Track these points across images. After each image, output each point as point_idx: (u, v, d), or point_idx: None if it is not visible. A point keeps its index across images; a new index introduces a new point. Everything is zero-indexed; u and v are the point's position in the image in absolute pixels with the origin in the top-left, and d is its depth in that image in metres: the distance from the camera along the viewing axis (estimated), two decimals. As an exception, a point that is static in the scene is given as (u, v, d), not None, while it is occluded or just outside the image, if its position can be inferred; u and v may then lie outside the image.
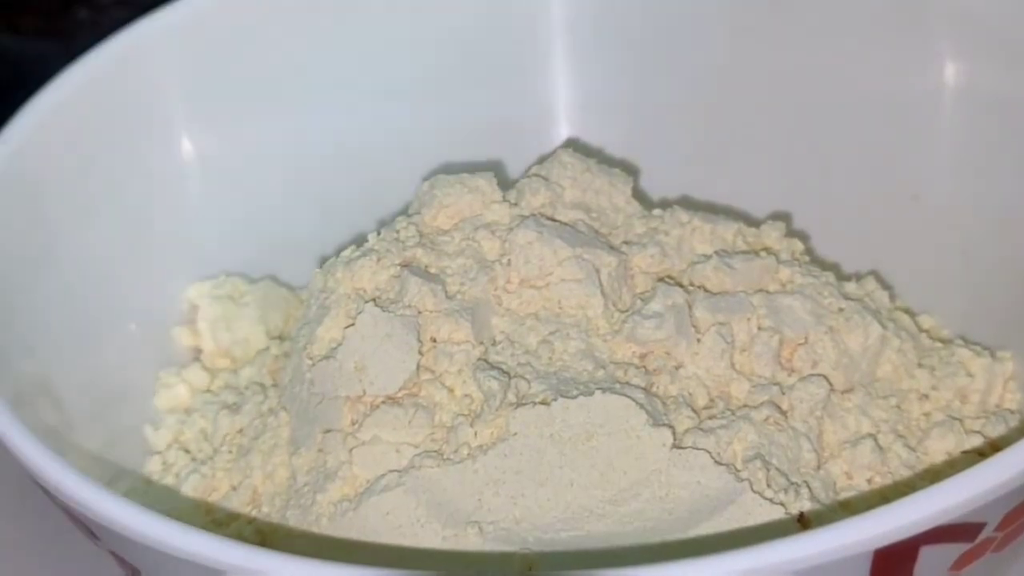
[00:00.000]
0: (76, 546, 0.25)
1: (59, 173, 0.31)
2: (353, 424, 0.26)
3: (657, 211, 0.31)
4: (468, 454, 0.25)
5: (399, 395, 0.26)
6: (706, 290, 0.28)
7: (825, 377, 0.27)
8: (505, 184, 0.31)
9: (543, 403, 0.25)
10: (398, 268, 0.28)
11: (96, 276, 0.31)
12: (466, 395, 0.26)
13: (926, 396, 0.28)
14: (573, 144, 0.36)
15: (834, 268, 0.33)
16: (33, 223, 0.30)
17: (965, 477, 0.20)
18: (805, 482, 0.25)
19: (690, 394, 0.26)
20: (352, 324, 0.27)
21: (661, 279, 0.29)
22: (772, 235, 0.31)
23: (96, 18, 0.44)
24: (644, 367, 0.27)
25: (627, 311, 0.28)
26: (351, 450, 0.26)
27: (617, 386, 0.25)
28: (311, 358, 0.28)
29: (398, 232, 0.30)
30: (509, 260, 0.28)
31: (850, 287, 0.30)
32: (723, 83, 0.36)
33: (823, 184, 0.35)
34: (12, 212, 0.29)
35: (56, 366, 0.28)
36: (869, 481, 0.26)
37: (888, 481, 0.26)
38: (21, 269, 0.29)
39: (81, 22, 0.45)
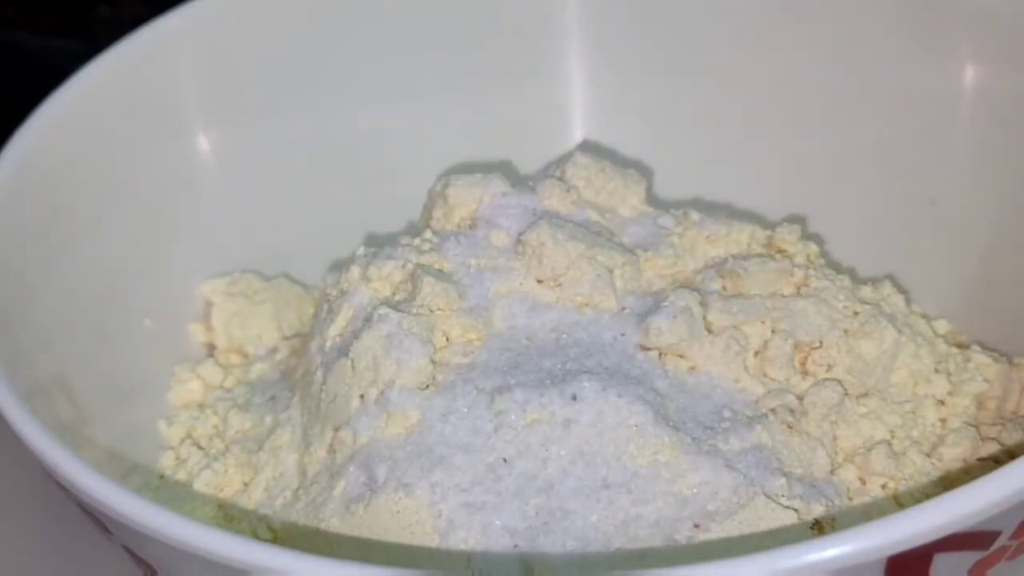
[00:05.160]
0: (94, 543, 0.25)
1: (76, 169, 0.31)
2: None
3: (671, 213, 0.31)
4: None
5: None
6: (720, 293, 0.28)
7: (839, 382, 0.27)
8: (519, 184, 0.31)
9: (553, 402, 0.25)
10: (411, 267, 0.28)
11: (112, 272, 0.31)
12: (479, 391, 0.26)
13: (942, 402, 0.28)
14: (588, 145, 0.36)
15: (850, 272, 0.33)
16: (50, 219, 0.30)
17: (980, 485, 0.20)
18: (818, 487, 0.25)
19: (702, 396, 0.26)
20: (365, 323, 0.27)
21: (675, 281, 0.29)
22: (787, 238, 0.31)
23: (116, 15, 0.45)
24: (656, 367, 0.27)
25: (641, 312, 0.28)
26: (362, 448, 0.26)
27: (630, 386, 0.25)
28: (324, 356, 0.28)
29: (412, 232, 0.30)
30: (523, 260, 0.28)
31: (866, 291, 0.30)
32: (738, 85, 0.36)
33: (839, 187, 0.34)
34: (30, 207, 0.29)
35: (71, 361, 0.29)
36: (883, 487, 0.26)
37: (902, 487, 0.26)
38: (38, 264, 0.29)
39: (101, 19, 0.45)
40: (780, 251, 0.30)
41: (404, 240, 0.30)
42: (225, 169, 0.34)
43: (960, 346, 0.30)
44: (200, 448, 0.30)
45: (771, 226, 0.31)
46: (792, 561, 0.19)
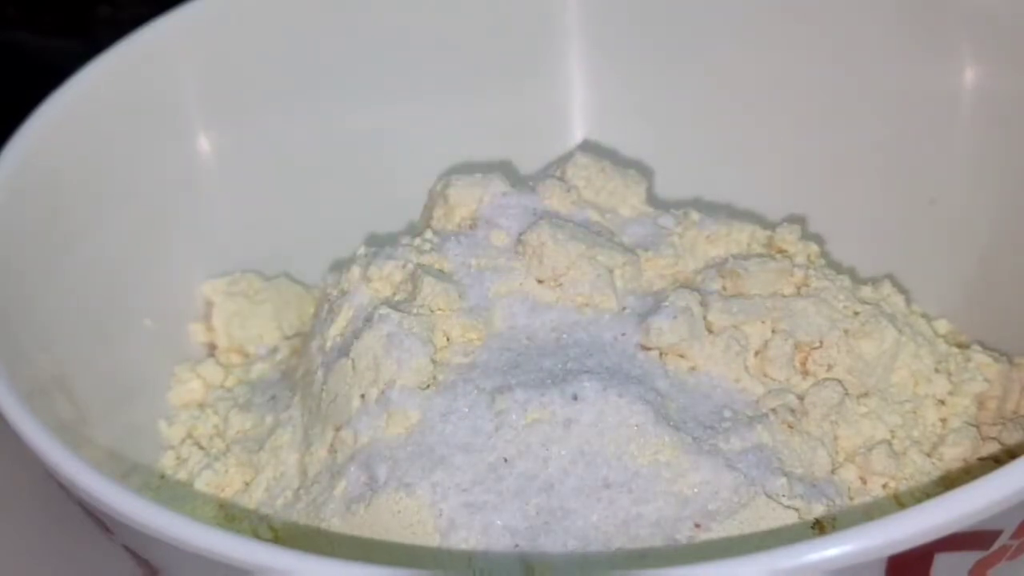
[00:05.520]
0: (94, 543, 0.25)
1: (77, 169, 0.31)
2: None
3: (671, 213, 0.31)
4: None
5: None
6: (720, 293, 0.28)
7: (840, 381, 0.27)
8: (520, 184, 0.31)
9: (554, 402, 0.25)
10: (412, 267, 0.28)
11: (112, 272, 0.31)
12: (480, 391, 0.26)
13: (942, 402, 0.28)
14: (588, 145, 0.36)
15: (850, 272, 0.33)
16: (51, 219, 0.30)
17: (981, 484, 0.20)
18: (819, 487, 0.25)
19: (703, 396, 0.26)
20: (366, 323, 0.27)
21: (675, 281, 0.29)
22: (787, 238, 0.31)
23: (116, 15, 0.45)
24: (657, 367, 0.27)
25: (641, 312, 0.28)
26: (362, 448, 0.26)
27: (631, 386, 0.25)
28: (324, 356, 0.28)
29: (412, 232, 0.30)
30: (523, 260, 0.28)
31: (866, 291, 0.30)
32: (738, 85, 0.36)
33: (839, 187, 0.35)
34: (30, 207, 0.29)
35: (72, 361, 0.29)
36: (884, 487, 0.26)
37: (903, 487, 0.26)
38: (38, 264, 0.29)
39: (101, 19, 0.45)
40: (780, 251, 0.30)
41: (404, 240, 0.30)
42: (225, 169, 0.34)
43: (960, 346, 0.30)
44: (201, 448, 0.30)
45: (771, 226, 0.31)
46: (793, 561, 0.19)
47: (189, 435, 0.30)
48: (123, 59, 0.32)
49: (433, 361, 0.26)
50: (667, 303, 0.27)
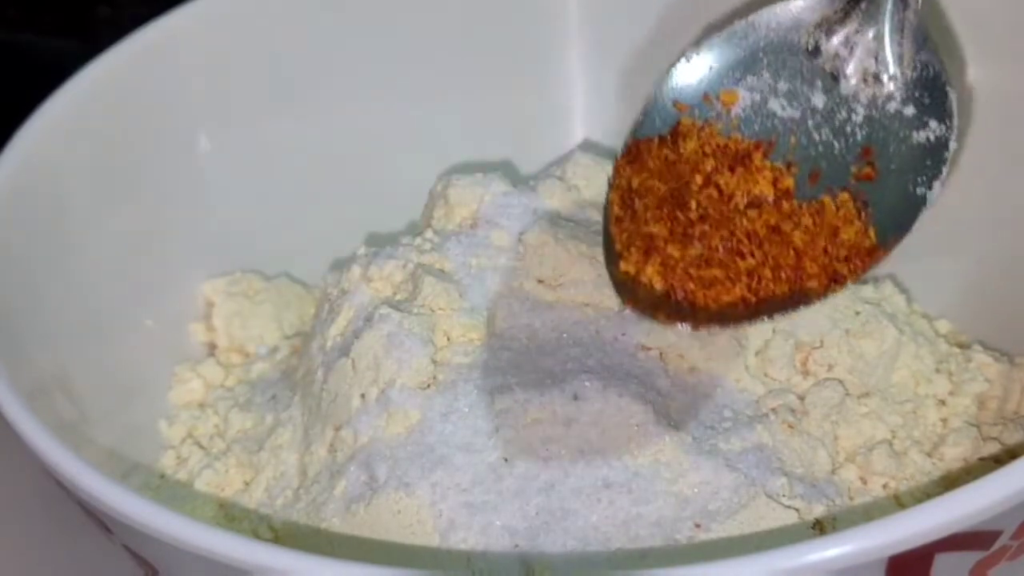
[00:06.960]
0: (94, 543, 0.25)
1: (78, 169, 0.31)
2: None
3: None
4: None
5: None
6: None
7: (840, 381, 0.27)
8: (520, 184, 0.31)
9: (554, 401, 0.25)
10: (412, 267, 0.28)
11: (113, 272, 0.31)
12: (480, 390, 0.26)
13: (943, 402, 0.28)
14: (588, 145, 0.36)
15: (850, 271, 0.33)
16: (52, 219, 0.30)
17: (981, 484, 0.20)
18: (819, 487, 0.25)
19: (703, 396, 0.26)
20: (366, 323, 0.27)
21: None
22: (788, 238, 0.31)
23: (116, 15, 0.45)
24: (657, 367, 0.27)
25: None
26: (362, 447, 0.26)
27: (631, 386, 0.25)
28: (324, 356, 0.28)
29: (412, 231, 0.30)
30: (523, 259, 0.28)
31: (867, 291, 0.30)
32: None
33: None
34: (32, 207, 0.29)
35: (73, 361, 0.29)
36: (884, 487, 0.26)
37: (903, 487, 0.26)
38: (39, 264, 0.29)
39: (101, 19, 0.45)
40: (781, 251, 0.30)
41: (405, 240, 0.30)
42: (225, 169, 0.34)
43: (961, 346, 0.30)
44: (201, 447, 0.30)
45: (772, 226, 0.31)
46: (793, 561, 0.19)
47: (189, 435, 0.30)
48: (123, 59, 0.32)
49: (433, 361, 0.26)
50: (667, 303, 0.27)
